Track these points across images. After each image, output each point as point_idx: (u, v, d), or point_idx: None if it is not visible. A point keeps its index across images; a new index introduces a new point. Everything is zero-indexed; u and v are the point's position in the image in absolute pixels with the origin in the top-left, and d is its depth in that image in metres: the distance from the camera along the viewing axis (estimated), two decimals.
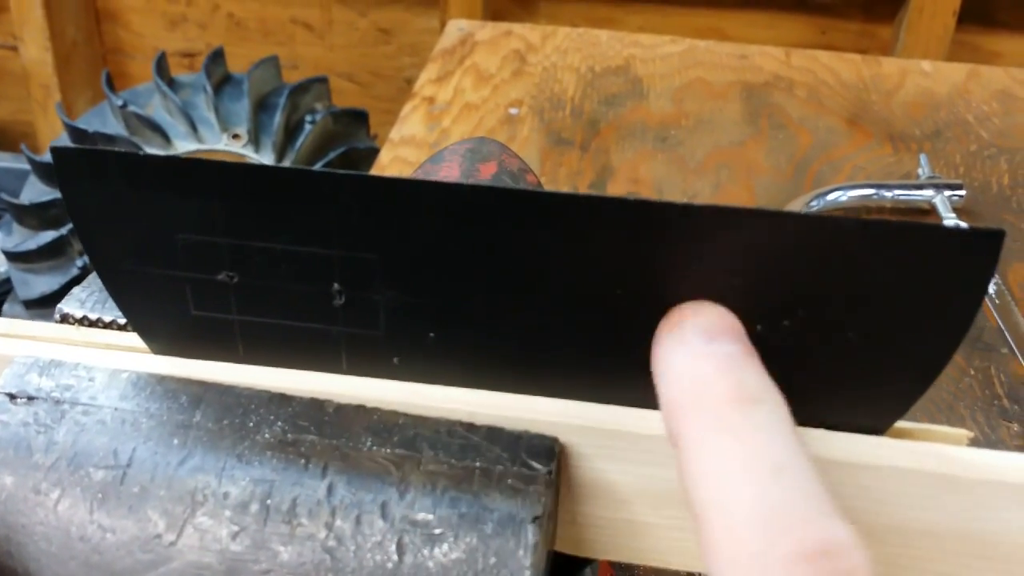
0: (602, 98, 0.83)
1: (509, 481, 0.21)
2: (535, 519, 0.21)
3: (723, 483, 0.18)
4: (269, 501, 0.21)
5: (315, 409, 0.23)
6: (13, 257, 1.08)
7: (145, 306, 0.24)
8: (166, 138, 1.11)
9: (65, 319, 0.27)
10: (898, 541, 0.22)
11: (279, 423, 0.23)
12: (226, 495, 0.21)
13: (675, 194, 0.72)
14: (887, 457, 0.21)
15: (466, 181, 0.35)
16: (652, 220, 0.20)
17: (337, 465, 0.22)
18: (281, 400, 0.23)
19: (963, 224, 0.67)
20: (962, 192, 0.69)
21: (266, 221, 0.22)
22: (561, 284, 0.21)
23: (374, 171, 0.75)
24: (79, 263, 1.08)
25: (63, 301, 0.27)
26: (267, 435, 0.22)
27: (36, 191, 1.12)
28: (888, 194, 0.69)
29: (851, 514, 0.22)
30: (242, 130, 1.12)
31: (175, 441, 0.22)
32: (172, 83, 1.15)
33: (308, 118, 1.16)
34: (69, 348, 0.24)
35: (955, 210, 0.68)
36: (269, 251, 0.22)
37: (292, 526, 0.21)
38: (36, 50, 1.42)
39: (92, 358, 0.24)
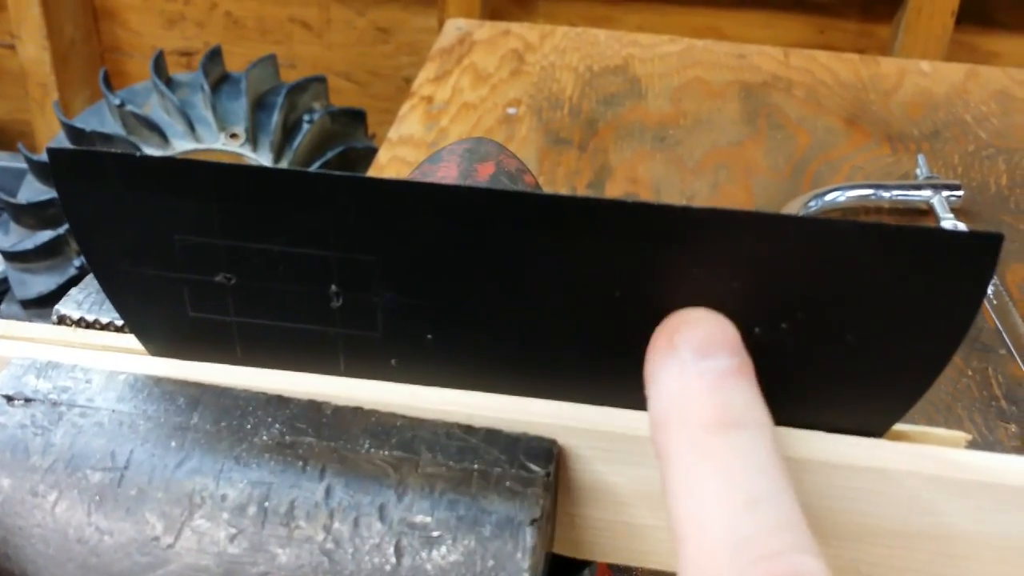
0: (600, 98, 0.83)
1: (507, 483, 0.21)
2: (533, 521, 0.21)
3: (699, 507, 0.18)
4: (267, 503, 0.21)
5: (313, 411, 0.23)
6: (10, 257, 1.08)
7: (142, 308, 0.24)
8: (164, 137, 1.10)
9: (62, 320, 0.27)
10: (896, 543, 0.22)
11: (277, 425, 0.23)
12: (224, 497, 0.21)
13: (673, 194, 0.72)
14: (885, 460, 0.21)
15: (464, 182, 0.35)
16: (650, 222, 0.20)
17: (335, 467, 0.22)
18: (279, 402, 0.23)
19: (961, 224, 0.67)
20: (960, 192, 0.69)
21: (264, 222, 0.22)
22: (559, 286, 0.21)
23: (372, 170, 0.75)
24: (76, 263, 1.08)
25: (60, 302, 0.27)
26: (265, 437, 0.22)
27: (33, 190, 1.12)
28: (886, 194, 0.69)
29: (848, 517, 0.22)
30: (240, 129, 1.12)
31: (172, 443, 0.22)
32: (170, 82, 1.15)
33: (306, 117, 1.16)
34: (66, 350, 0.24)
35: (953, 210, 0.68)
36: (267, 252, 0.22)
37: (290, 528, 0.21)
38: (34, 48, 1.42)
39: (89, 360, 0.24)
